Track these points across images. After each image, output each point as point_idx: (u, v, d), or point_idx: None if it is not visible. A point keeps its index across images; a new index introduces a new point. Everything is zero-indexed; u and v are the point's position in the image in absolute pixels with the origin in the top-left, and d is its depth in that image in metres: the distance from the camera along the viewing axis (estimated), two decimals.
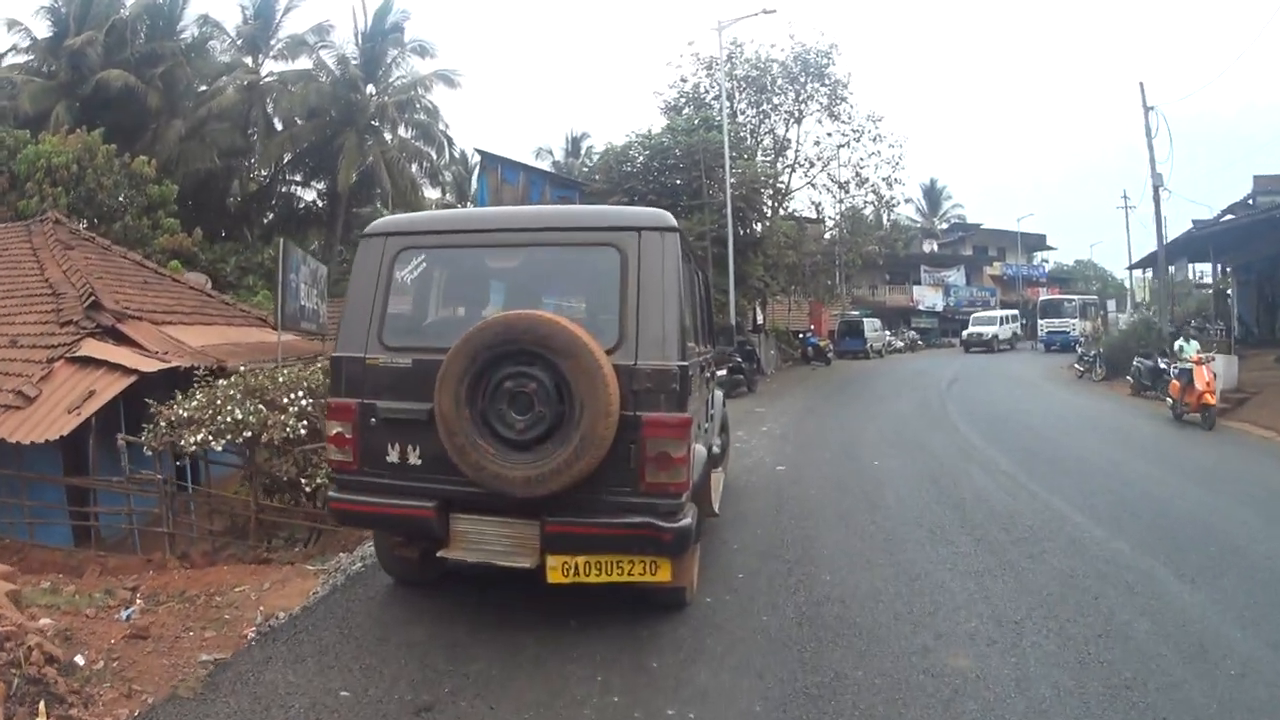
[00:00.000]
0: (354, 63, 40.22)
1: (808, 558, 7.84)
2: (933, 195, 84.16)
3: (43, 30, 36.04)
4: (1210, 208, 31.26)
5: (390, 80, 41.40)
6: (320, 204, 43.79)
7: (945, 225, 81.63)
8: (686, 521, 5.35)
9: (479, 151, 39.02)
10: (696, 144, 28.47)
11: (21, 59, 36.60)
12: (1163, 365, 22.01)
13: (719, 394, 9.95)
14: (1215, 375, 17.39)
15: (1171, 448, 14.91)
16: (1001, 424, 17.92)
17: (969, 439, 15.62)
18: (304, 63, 40.73)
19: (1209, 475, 12.24)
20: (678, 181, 29.02)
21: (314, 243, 41.23)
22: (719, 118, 28.94)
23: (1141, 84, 30.04)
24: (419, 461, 5.60)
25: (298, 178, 43.79)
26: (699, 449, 6.05)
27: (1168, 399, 18.65)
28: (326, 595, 6.86)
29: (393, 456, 5.66)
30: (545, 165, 48.60)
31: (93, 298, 14.64)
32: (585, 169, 30.06)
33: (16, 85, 34.01)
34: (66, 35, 34.67)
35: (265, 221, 43.03)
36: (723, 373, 22.81)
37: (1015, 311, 61.43)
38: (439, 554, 5.73)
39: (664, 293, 5.45)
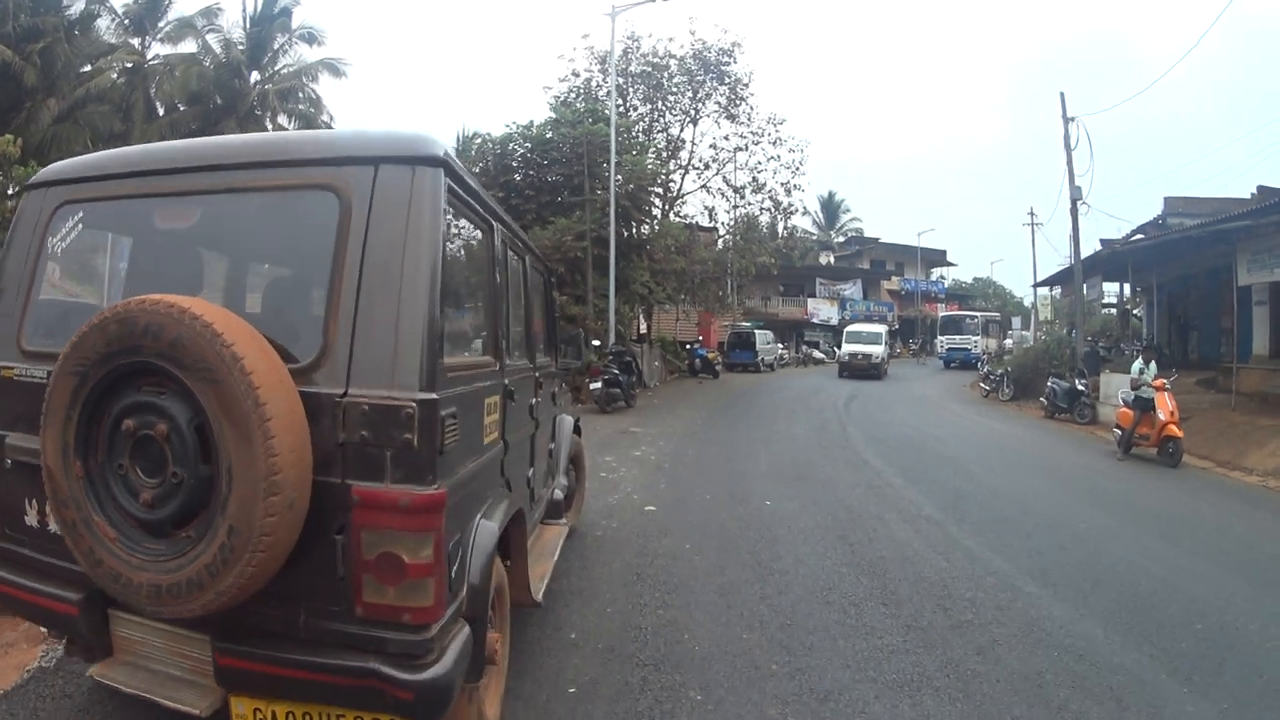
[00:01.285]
0: (239, 47, 38.72)
1: (671, 659, 5.54)
2: (830, 208, 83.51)
3: None
4: (1127, 223, 30.94)
5: (276, 68, 40.05)
6: None
7: (842, 239, 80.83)
8: (440, 670, 3.12)
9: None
10: (580, 136, 26.02)
11: None
12: (1080, 387, 21.22)
13: (566, 420, 7.80)
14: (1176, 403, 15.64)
15: (1124, 489, 12.79)
16: (914, 453, 15.77)
17: (880, 473, 13.30)
18: (190, 46, 39.14)
19: (1177, 526, 10.16)
20: (558, 177, 26.61)
21: None
22: (608, 111, 26.52)
23: (1062, 94, 29.54)
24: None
25: None
26: (483, 533, 3.75)
27: (1115, 429, 16.77)
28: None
29: (31, 518, 3.74)
30: None
31: None
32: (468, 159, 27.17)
33: None
34: None
35: None
36: (598, 386, 20.20)
37: (882, 329, 47.54)
38: (91, 672, 3.61)
39: (410, 269, 3.21)
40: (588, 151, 25.56)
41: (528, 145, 26.85)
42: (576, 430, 8.26)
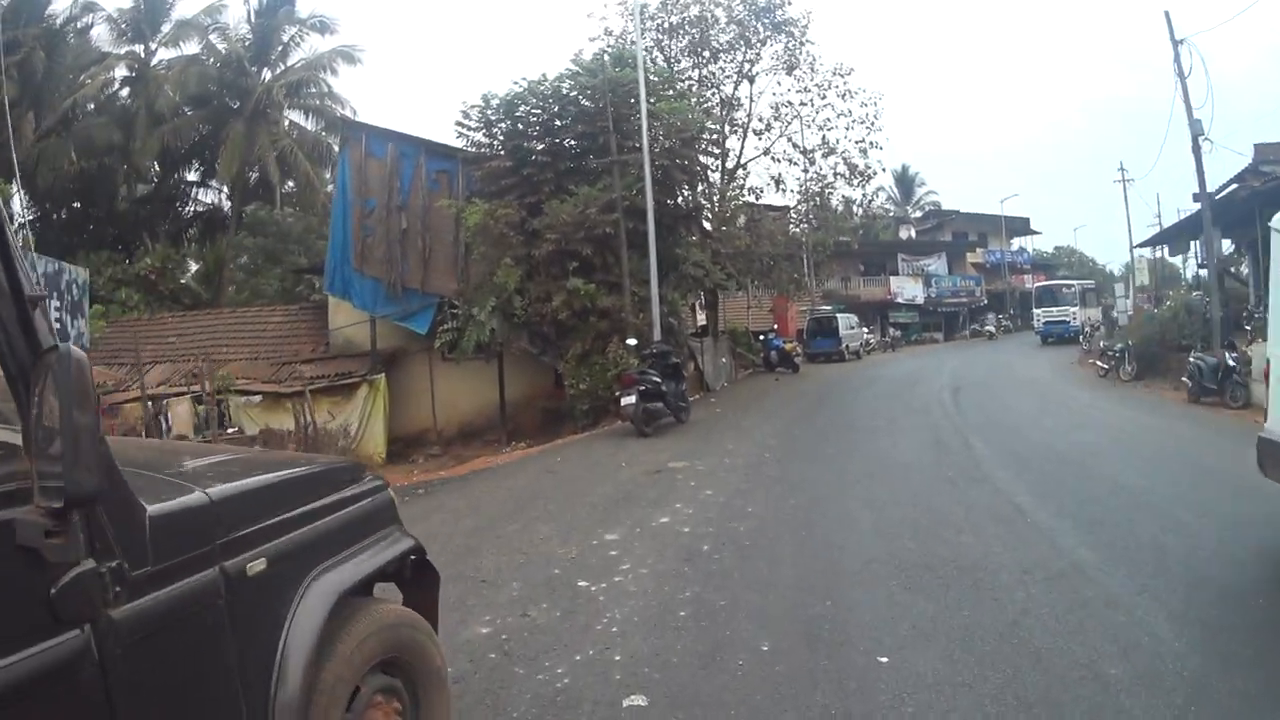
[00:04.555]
0: (244, 43, 36.38)
1: None
2: (905, 182, 77.74)
3: None
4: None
5: (287, 61, 37.49)
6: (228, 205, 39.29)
7: (919, 213, 74.86)
8: None
9: (341, 120, 32.88)
10: (602, 85, 20.98)
11: None
12: (1230, 362, 18.67)
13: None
14: None
15: None
16: (1075, 480, 10.80)
17: (1051, 533, 8.19)
18: (194, 48, 37.09)
19: None
20: (577, 139, 21.67)
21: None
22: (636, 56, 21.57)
23: (1167, 14, 24.61)
24: None
25: (192, 176, 40.18)
26: None
27: None
28: None
29: None
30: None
31: None
32: (466, 129, 22.37)
33: None
34: None
35: (164, 228, 38.82)
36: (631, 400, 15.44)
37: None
38: None
39: None
40: (611, 102, 20.47)
41: (539, 105, 21.86)
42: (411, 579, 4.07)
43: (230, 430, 21.61)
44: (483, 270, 21.60)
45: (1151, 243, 39.66)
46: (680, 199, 23.93)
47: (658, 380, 16.95)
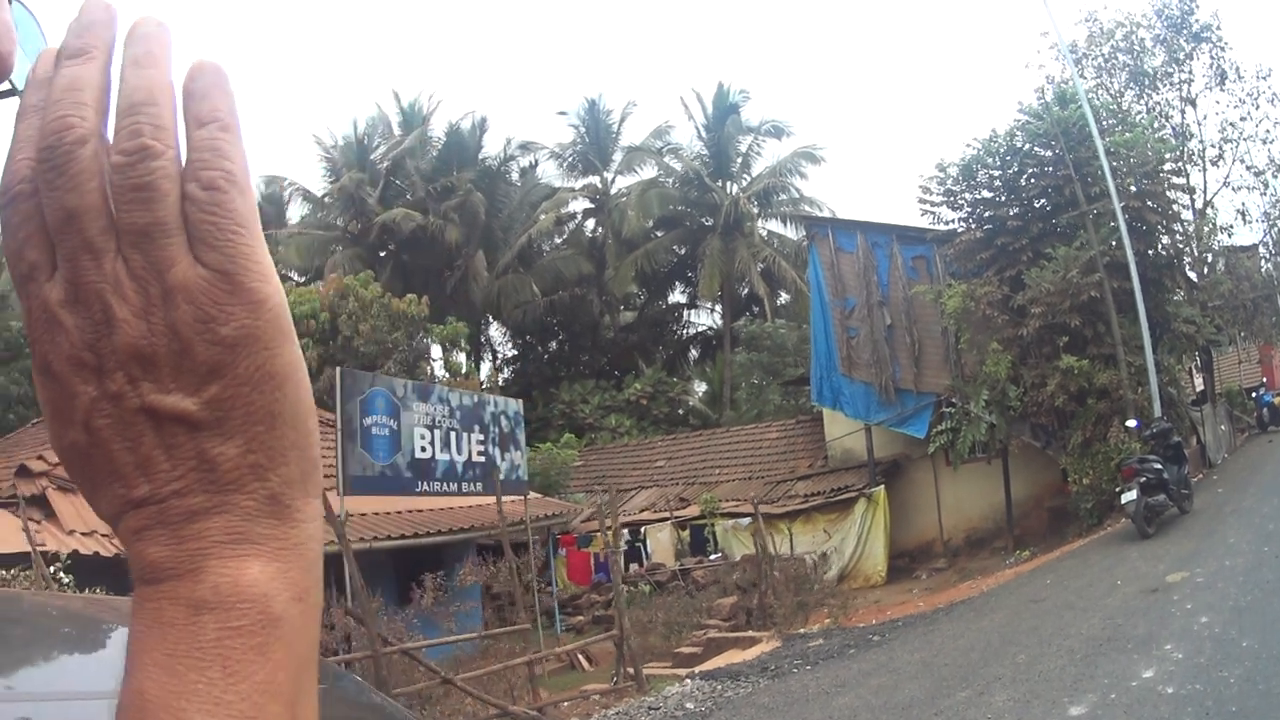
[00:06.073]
0: (700, 159, 37.36)
1: None
2: None
3: (318, 185, 38.21)
4: None
5: (751, 172, 37.85)
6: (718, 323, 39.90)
7: None
8: None
9: (804, 219, 31.98)
10: (1052, 129, 18.58)
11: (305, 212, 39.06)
12: None
13: None
14: None
15: None
16: None
17: None
18: (649, 171, 38.92)
19: None
20: (1041, 196, 19.44)
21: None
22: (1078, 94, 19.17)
23: None
24: None
25: (677, 297, 42.08)
26: None
27: None
28: None
29: None
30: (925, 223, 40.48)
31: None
32: (929, 205, 20.77)
33: (279, 240, 34.66)
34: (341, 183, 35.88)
35: (660, 352, 40.70)
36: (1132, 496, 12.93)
37: None
38: None
39: None
40: (1065, 146, 18.01)
41: (998, 164, 19.87)
42: None
43: (714, 556, 21.12)
44: (973, 359, 19.84)
45: None
46: (1159, 247, 20.62)
47: (1159, 468, 14.23)
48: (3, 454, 15.92)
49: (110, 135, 0.45)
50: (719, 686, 11.17)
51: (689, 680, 11.83)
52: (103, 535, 11.50)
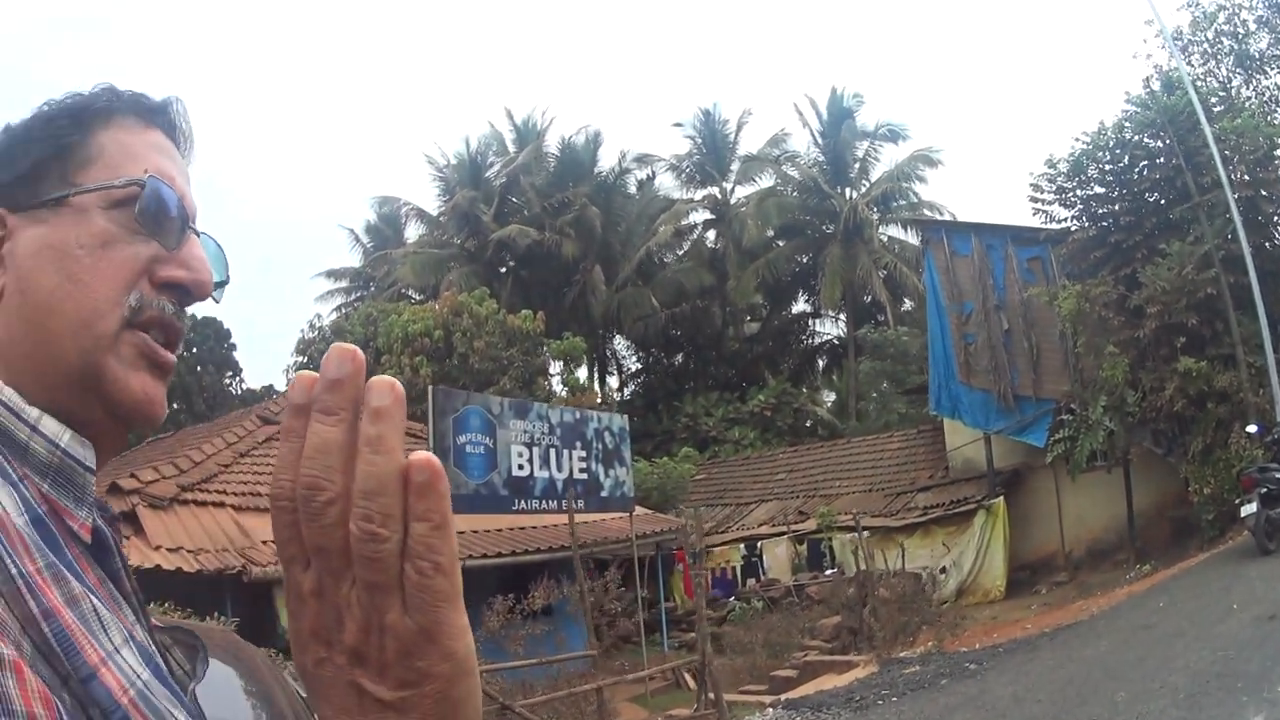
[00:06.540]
0: (818, 166, 36.66)
1: None
2: None
3: (432, 203, 39.23)
4: None
5: (870, 177, 37.07)
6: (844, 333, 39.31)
7: None
8: None
9: (917, 224, 30.94)
10: (1159, 117, 17.67)
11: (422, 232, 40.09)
12: None
13: None
14: None
15: None
16: None
17: None
18: (767, 180, 38.44)
19: None
20: (1152, 190, 18.36)
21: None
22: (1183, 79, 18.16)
23: None
24: None
25: (801, 307, 41.40)
26: None
27: None
28: None
29: None
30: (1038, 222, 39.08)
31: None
32: (1041, 204, 19.98)
33: (396, 260, 35.84)
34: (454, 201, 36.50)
35: (787, 362, 40.06)
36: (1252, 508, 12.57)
37: None
38: None
39: None
40: (1173, 135, 17.07)
41: (1109, 158, 18.93)
42: None
43: (830, 571, 20.71)
44: (1090, 364, 18.93)
45: None
46: (1277, 238, 19.25)
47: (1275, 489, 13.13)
48: (103, 474, 16.75)
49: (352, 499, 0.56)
50: (799, 718, 10.92)
51: (770, 710, 11.54)
52: (188, 552, 12.00)
